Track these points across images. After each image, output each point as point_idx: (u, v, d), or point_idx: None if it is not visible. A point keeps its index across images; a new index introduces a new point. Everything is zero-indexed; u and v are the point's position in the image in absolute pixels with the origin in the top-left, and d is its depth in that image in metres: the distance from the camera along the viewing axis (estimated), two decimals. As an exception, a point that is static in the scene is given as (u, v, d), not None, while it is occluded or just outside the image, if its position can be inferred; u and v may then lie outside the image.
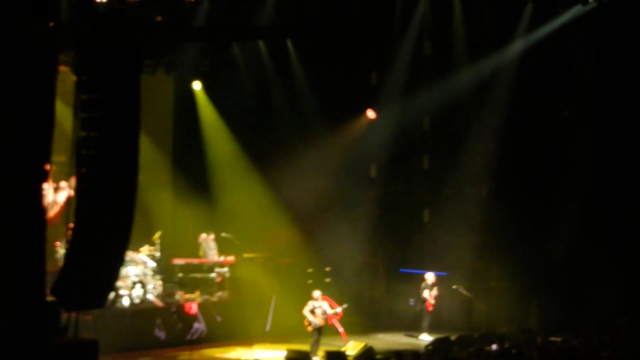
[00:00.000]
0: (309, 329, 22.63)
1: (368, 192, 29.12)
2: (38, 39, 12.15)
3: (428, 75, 28.28)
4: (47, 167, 14.03)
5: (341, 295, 24.34)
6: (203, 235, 26.04)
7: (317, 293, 22.93)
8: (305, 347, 22.62)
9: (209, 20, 24.73)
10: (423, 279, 26.21)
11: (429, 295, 25.93)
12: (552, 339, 20.51)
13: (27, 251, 12.90)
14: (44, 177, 13.99)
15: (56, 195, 22.51)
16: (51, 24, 13.07)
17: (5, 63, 12.27)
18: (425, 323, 26.01)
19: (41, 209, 13.86)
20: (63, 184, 22.57)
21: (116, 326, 22.37)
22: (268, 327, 25.52)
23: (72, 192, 21.60)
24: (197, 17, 24.87)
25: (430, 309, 25.97)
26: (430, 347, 22.27)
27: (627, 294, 25.62)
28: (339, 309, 23.01)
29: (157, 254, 24.67)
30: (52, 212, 21.85)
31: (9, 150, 12.38)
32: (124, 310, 22.94)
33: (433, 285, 26.10)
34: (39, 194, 13.65)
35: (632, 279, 25.74)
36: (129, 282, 23.23)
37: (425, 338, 25.29)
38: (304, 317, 22.69)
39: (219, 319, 24.36)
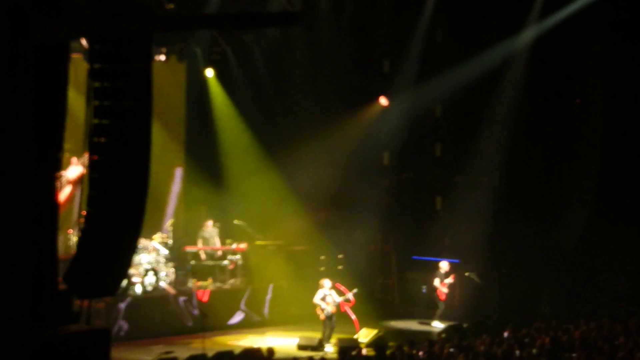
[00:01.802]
0: (322, 317, 22.65)
1: (380, 179, 29.12)
2: (47, 29, 12.14)
3: (440, 63, 28.24)
4: (60, 154, 14.06)
5: (353, 283, 24.32)
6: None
7: (327, 282, 22.94)
8: (318, 334, 22.67)
9: (220, 9, 24.70)
10: (437, 267, 26.19)
11: (442, 283, 25.86)
12: (564, 326, 20.50)
13: (39, 239, 12.94)
14: (56, 164, 14.03)
15: (66, 171, 21.15)
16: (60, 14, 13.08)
17: (16, 50, 12.29)
18: (439, 310, 26.00)
19: (53, 197, 13.90)
20: (74, 160, 21.52)
21: (129, 314, 22.50)
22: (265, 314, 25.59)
23: (83, 169, 21.12)
24: (209, 5, 24.87)
25: (443, 297, 25.92)
26: (443, 335, 22.28)
27: (638, 282, 25.58)
28: (350, 295, 23.02)
29: (170, 242, 24.73)
30: (63, 192, 20.54)
31: (21, 138, 12.41)
32: (136, 298, 23.02)
33: (447, 273, 26.04)
34: (51, 182, 13.70)
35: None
36: (141, 270, 23.29)
37: (438, 325, 25.29)
38: (316, 306, 22.71)
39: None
